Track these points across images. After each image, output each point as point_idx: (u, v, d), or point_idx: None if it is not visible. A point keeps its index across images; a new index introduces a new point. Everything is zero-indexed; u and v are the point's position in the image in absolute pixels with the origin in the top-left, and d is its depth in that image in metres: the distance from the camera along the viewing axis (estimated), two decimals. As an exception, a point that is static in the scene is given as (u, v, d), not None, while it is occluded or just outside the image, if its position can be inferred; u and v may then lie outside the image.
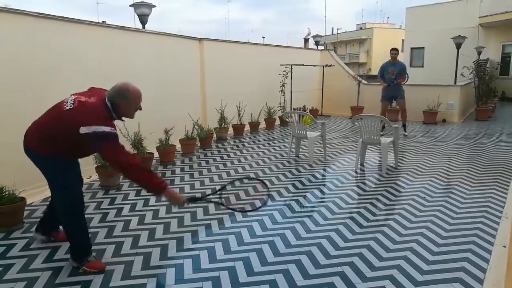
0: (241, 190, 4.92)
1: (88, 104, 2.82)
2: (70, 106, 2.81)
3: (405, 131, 9.00)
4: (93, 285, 2.86)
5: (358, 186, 5.21)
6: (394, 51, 8.84)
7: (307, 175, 5.73)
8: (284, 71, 10.20)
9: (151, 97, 6.62)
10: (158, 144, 6.32)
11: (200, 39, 8.23)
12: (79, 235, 3.08)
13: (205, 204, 4.48)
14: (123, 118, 3.09)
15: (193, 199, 3.11)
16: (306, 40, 15.81)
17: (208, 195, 3.35)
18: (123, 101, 2.94)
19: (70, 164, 3.04)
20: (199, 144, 7.37)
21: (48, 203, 3.60)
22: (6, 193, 3.87)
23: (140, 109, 3.09)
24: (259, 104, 9.65)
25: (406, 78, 8.92)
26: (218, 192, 3.36)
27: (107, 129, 2.72)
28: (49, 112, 3.01)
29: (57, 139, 2.85)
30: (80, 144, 2.84)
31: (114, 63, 5.97)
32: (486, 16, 17.03)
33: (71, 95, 2.96)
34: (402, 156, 6.83)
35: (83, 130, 2.67)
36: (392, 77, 8.75)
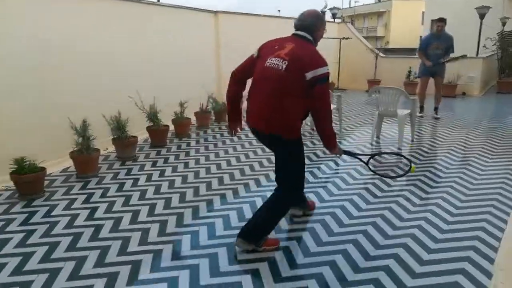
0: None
1: (299, 49, 2.70)
2: (284, 64, 2.66)
3: (437, 114, 7.83)
4: (112, 251, 2.96)
5: (374, 159, 5.18)
6: (440, 23, 7.33)
7: (322, 147, 5.68)
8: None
9: (165, 70, 6.67)
10: (173, 117, 6.36)
11: (215, 12, 8.13)
12: (281, 215, 3.03)
13: (221, 175, 4.53)
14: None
15: (347, 152, 3.26)
16: (323, 13, 15.49)
17: (359, 154, 3.47)
18: (321, 25, 2.88)
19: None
20: (214, 118, 7.39)
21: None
22: (27, 163, 3.97)
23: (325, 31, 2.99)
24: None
25: (451, 56, 7.53)
26: (368, 156, 3.53)
27: (325, 69, 2.66)
28: (259, 88, 2.81)
29: (292, 110, 2.72)
30: (303, 102, 2.73)
31: (129, 36, 5.96)
32: (512, -15, 16.31)
33: (269, 55, 2.77)
34: (419, 130, 6.73)
35: (309, 75, 2.59)
36: (438, 52, 7.42)
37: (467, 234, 3.14)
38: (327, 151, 3.05)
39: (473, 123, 7.20)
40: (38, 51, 4.63)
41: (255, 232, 2.90)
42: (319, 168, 4.81)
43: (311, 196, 3.89)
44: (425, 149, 5.54)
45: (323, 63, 2.67)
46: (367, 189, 4.11)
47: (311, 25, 2.82)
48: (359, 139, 6.17)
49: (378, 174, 4.02)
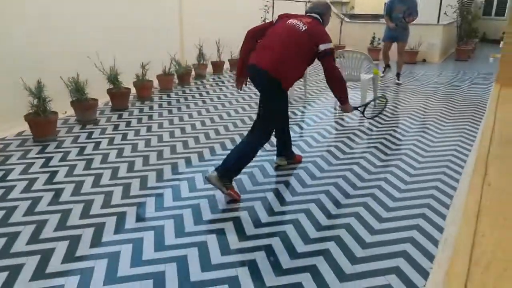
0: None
1: (315, 25, 3.26)
2: (304, 27, 3.18)
3: (399, 79, 7.98)
4: (73, 214, 2.90)
5: (336, 122, 5.27)
6: None
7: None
8: (265, 5, 9.84)
9: (126, 31, 6.36)
10: (135, 80, 6.15)
11: (176, -31, 7.75)
12: (250, 158, 3.24)
13: (185, 139, 4.49)
14: None
15: (355, 108, 3.83)
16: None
17: (359, 106, 4.08)
18: (329, 13, 3.50)
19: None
20: (177, 81, 7.21)
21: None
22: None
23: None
24: (239, 40, 9.36)
25: (415, 17, 7.63)
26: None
27: (331, 45, 3.21)
28: (275, 40, 3.19)
29: (298, 66, 3.24)
30: (306, 62, 3.27)
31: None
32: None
33: (290, 19, 3.29)
34: (380, 94, 6.88)
35: (322, 47, 3.14)
36: (400, 15, 7.57)
37: (422, 193, 3.31)
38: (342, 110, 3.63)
39: (432, 89, 7.44)
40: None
41: (225, 172, 3.10)
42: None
43: (275, 159, 3.94)
44: (386, 114, 5.70)
45: (330, 41, 3.26)
46: (329, 152, 4.20)
47: (321, 12, 3.43)
48: (323, 104, 6.24)
49: (371, 118, 4.79)
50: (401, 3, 7.60)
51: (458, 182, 3.47)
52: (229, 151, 4.10)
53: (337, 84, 3.31)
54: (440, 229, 2.75)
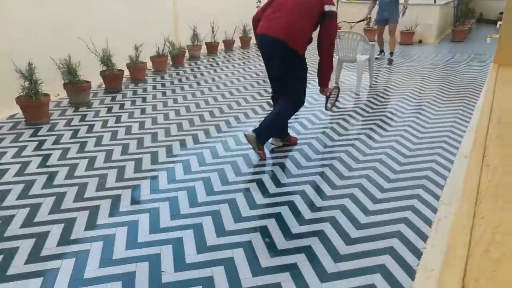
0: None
1: None
2: None
3: (391, 58, 8.14)
4: (68, 197, 2.88)
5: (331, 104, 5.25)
6: None
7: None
8: (260, -14, 9.65)
9: (119, 11, 6.23)
10: (128, 61, 6.06)
11: None
12: (284, 121, 3.66)
13: (179, 121, 4.45)
14: None
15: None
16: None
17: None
18: None
19: None
20: (171, 63, 7.12)
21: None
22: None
23: None
24: (234, 21, 9.23)
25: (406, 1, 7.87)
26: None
27: (335, 8, 3.34)
28: (280, 13, 3.31)
29: (306, 29, 3.32)
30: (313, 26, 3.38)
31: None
32: None
33: None
34: (376, 75, 6.84)
35: (327, 8, 3.25)
36: (386, 0, 7.78)
37: (417, 174, 3.32)
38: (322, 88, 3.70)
39: (428, 70, 7.40)
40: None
41: (263, 133, 3.41)
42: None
43: (270, 140, 3.93)
44: (382, 95, 5.67)
45: (333, 4, 3.36)
46: (325, 133, 4.19)
47: None
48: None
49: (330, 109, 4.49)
50: None
51: (453, 163, 3.48)
52: (223, 133, 4.12)
53: (330, 50, 3.42)
54: (434, 210, 2.77)
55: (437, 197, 2.94)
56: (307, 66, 3.58)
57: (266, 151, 3.68)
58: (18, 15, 4.64)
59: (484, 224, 0.68)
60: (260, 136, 3.38)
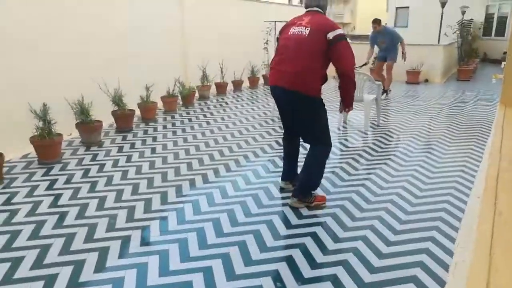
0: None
1: (317, 19, 3.16)
2: (307, 30, 3.10)
3: (387, 95, 8.57)
4: (78, 238, 2.87)
5: (340, 143, 5.27)
6: (374, 24, 8.24)
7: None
8: (267, 27, 9.97)
9: (130, 53, 6.44)
10: (139, 101, 6.19)
11: (181, -7, 7.90)
12: (322, 170, 3.44)
13: (189, 160, 4.48)
14: None
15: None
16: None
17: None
18: (327, 3, 3.37)
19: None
20: (181, 102, 7.26)
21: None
22: (-17, 148, 3.77)
23: None
24: (242, 61, 9.48)
25: (403, 43, 8.30)
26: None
27: (341, 31, 3.11)
28: (287, 54, 3.18)
29: (316, 67, 3.12)
30: (323, 62, 3.15)
31: (90, 18, 5.70)
32: (472, -26, 16.80)
33: (291, 27, 3.22)
34: (384, 114, 6.90)
35: (330, 35, 3.02)
36: (384, 45, 8.37)
37: (430, 215, 3.26)
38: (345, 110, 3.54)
39: (435, 109, 7.45)
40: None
41: (303, 190, 3.35)
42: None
43: (279, 180, 3.92)
44: (390, 134, 5.69)
45: (339, 28, 3.13)
46: (334, 173, 4.18)
47: (322, 4, 3.31)
48: (327, 124, 6.24)
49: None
50: (382, 37, 8.31)
51: (466, 204, 3.43)
52: (233, 172, 4.12)
53: (347, 72, 3.17)
54: (449, 253, 2.70)
55: (451, 239, 2.87)
56: (324, 106, 3.35)
57: (275, 189, 3.66)
58: (33, 59, 4.82)
59: (499, 277, 0.67)
60: (303, 196, 3.36)
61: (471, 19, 14.44)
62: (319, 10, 3.28)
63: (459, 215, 3.23)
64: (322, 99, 3.29)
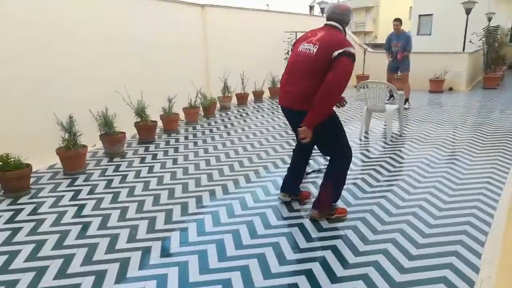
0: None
1: (329, 36, 3.02)
2: (315, 47, 2.99)
3: (404, 104, 8.43)
4: (100, 248, 2.92)
5: (362, 153, 5.21)
6: (396, 21, 8.42)
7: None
8: (288, 38, 10.01)
9: (153, 65, 6.58)
10: (161, 113, 6.30)
11: (202, 6, 8.05)
12: (342, 181, 3.41)
13: (209, 171, 4.51)
14: None
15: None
16: (312, 7, 15.44)
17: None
18: (348, 16, 3.20)
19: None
20: (202, 113, 7.34)
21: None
22: (12, 159, 3.90)
23: None
24: (263, 72, 9.53)
25: (408, 51, 8.43)
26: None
27: (351, 49, 2.92)
28: (293, 72, 3.12)
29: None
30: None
31: (115, 31, 5.87)
32: (498, -20, 16.49)
33: (303, 42, 3.12)
34: (407, 124, 6.79)
35: (335, 53, 2.86)
36: (397, 49, 8.47)
37: (454, 228, 3.17)
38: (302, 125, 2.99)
39: (460, 118, 7.28)
40: (20, 48, 4.53)
41: (324, 203, 3.31)
42: (308, 164, 4.79)
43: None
44: (413, 144, 5.59)
45: (350, 45, 2.94)
46: (356, 184, 4.13)
47: (342, 19, 3.16)
48: (348, 134, 6.12)
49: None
50: (397, 39, 8.49)
51: (493, 217, 3.33)
52: (253, 183, 4.13)
53: (329, 94, 2.88)
54: (475, 268, 2.62)
55: (477, 255, 2.78)
56: (337, 118, 3.24)
57: (295, 201, 3.64)
58: (60, 71, 4.99)
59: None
60: (323, 208, 3.32)
61: (498, 25, 14.09)
62: (336, 25, 3.12)
63: (485, 229, 3.13)
64: (333, 112, 3.17)
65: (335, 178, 3.35)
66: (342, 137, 3.28)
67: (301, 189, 3.78)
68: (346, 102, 3.69)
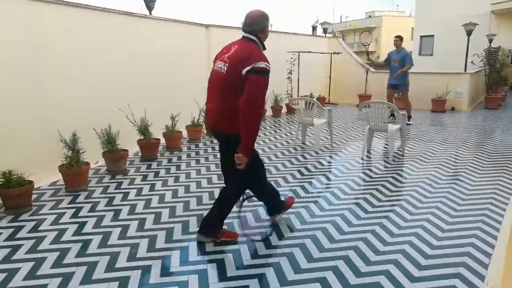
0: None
1: (240, 51, 2.89)
2: (225, 67, 2.90)
3: (409, 121, 8.66)
4: (99, 267, 2.90)
5: (364, 173, 5.19)
6: (397, 38, 8.71)
7: (313, 161, 5.73)
8: (291, 58, 10.12)
9: (157, 83, 6.65)
10: (164, 130, 6.34)
11: (207, 26, 8.18)
12: (230, 207, 3.31)
13: (211, 189, 4.51)
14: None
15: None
16: (314, 28, 15.63)
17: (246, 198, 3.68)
18: (267, 24, 3.05)
19: None
20: (205, 131, 7.37)
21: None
22: (15, 176, 3.92)
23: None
24: (266, 91, 9.57)
25: (407, 67, 8.57)
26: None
27: (263, 64, 2.78)
28: (212, 90, 3.05)
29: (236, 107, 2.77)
30: None
31: (120, 49, 5.96)
32: (498, 3, 16.69)
33: (218, 60, 3.05)
34: (409, 144, 6.79)
35: (244, 71, 2.75)
36: (396, 64, 8.68)
37: (457, 250, 3.14)
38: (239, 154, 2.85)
39: (462, 138, 7.28)
40: (24, 64, 4.60)
41: (210, 225, 3.23)
42: (310, 183, 4.80)
43: (302, 212, 3.89)
44: (415, 164, 5.58)
45: (261, 59, 2.79)
46: (358, 204, 4.11)
47: (254, 29, 3.00)
48: (350, 154, 6.19)
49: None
50: (396, 55, 8.72)
51: (496, 239, 3.29)
52: (254, 202, 4.11)
53: (249, 117, 2.76)
54: (479, 291, 2.58)
55: (481, 277, 2.75)
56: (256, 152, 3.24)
57: (295, 219, 3.62)
58: (63, 88, 5.06)
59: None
60: (206, 231, 3.24)
61: (499, 47, 14.21)
62: (249, 36, 2.98)
63: (489, 251, 3.10)
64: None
65: (225, 203, 3.27)
66: (252, 167, 3.08)
67: (283, 200, 3.75)
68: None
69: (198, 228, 3.32)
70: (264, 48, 3.07)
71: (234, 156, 2.87)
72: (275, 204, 3.66)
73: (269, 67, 2.84)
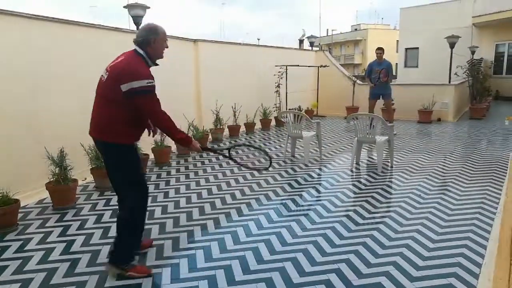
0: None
1: (122, 63, 2.83)
2: (106, 75, 2.85)
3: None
4: (89, 285, 2.85)
5: (353, 185, 5.22)
6: (379, 50, 8.92)
7: (303, 174, 5.74)
8: (279, 71, 10.21)
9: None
10: (153, 146, 6.30)
11: (195, 41, 8.23)
12: (137, 234, 3.14)
13: (201, 204, 4.48)
14: (156, 62, 3.09)
15: (207, 149, 3.44)
16: (301, 41, 15.83)
17: (219, 149, 3.60)
18: (155, 37, 2.93)
19: (135, 150, 3.07)
20: (194, 145, 7.34)
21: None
22: (0, 195, 3.84)
23: (167, 47, 3.09)
24: (255, 105, 9.65)
25: (390, 77, 8.87)
26: (227, 149, 3.62)
27: (143, 83, 2.73)
28: (96, 98, 2.98)
29: (117, 116, 2.83)
30: (128, 108, 2.82)
31: (103, 64, 5.93)
32: (480, 16, 17.13)
33: (104, 70, 2.96)
34: (397, 155, 6.85)
35: (123, 88, 2.71)
36: (378, 75, 8.87)
37: (447, 260, 3.15)
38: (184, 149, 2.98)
39: (449, 148, 7.38)
40: (10, 80, 4.56)
41: (117, 254, 2.97)
42: (300, 196, 4.80)
43: (293, 225, 3.88)
44: (404, 175, 5.63)
45: (140, 77, 2.74)
46: (348, 217, 4.11)
47: (142, 41, 2.93)
48: (339, 166, 6.22)
49: (240, 165, 4.80)
50: (378, 66, 8.87)
51: (486, 248, 3.32)
52: (244, 217, 4.10)
53: (166, 128, 2.97)
54: (470, 302, 2.59)
55: (471, 287, 2.76)
56: (134, 157, 3.02)
57: (287, 233, 3.61)
58: (50, 103, 5.01)
59: None
60: (115, 261, 2.96)
61: (481, 58, 14.55)
62: (138, 50, 2.93)
63: (479, 261, 3.12)
64: (131, 145, 2.97)
65: (126, 227, 3.01)
66: (129, 173, 3.01)
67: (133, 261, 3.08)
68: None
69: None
70: (155, 64, 3.04)
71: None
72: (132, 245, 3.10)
73: (152, 83, 2.80)
